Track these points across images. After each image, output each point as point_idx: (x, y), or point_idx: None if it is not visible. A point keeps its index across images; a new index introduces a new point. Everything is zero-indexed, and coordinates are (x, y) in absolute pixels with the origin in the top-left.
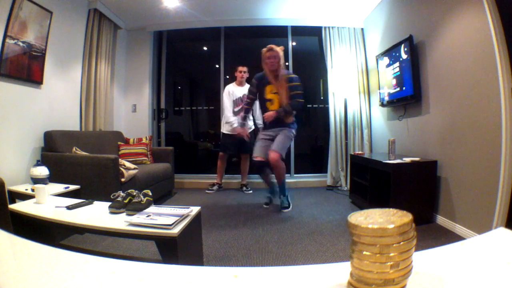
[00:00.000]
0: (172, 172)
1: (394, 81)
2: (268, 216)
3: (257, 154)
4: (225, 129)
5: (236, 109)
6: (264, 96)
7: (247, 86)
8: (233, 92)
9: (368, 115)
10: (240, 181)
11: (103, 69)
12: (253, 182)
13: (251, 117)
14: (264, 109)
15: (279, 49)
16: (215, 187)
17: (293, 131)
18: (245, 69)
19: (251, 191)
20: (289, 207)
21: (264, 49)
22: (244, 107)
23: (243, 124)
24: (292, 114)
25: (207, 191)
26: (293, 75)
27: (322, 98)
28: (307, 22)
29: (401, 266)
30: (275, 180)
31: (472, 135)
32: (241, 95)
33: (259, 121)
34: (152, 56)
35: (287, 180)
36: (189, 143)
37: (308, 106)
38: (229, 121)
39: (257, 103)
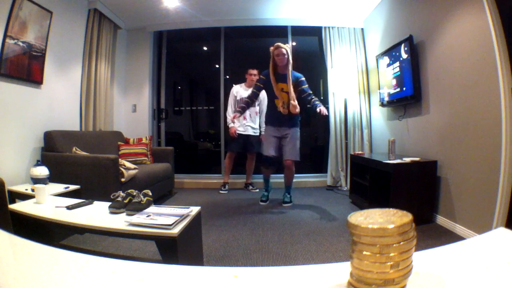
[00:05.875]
0: (172, 172)
1: (394, 81)
2: (268, 216)
3: (270, 152)
4: None
5: (239, 109)
6: (274, 93)
7: None
8: (238, 93)
9: (368, 115)
10: (244, 180)
11: (103, 69)
12: (259, 182)
13: (257, 120)
14: (272, 105)
15: (287, 47)
16: (227, 187)
17: (298, 129)
18: (255, 72)
19: (257, 190)
20: (290, 202)
21: (272, 47)
22: (240, 105)
23: (239, 112)
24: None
25: (220, 191)
26: (302, 77)
27: (322, 98)
28: (307, 22)
29: (401, 266)
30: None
31: (472, 135)
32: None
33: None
34: (152, 56)
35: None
36: (189, 143)
37: (308, 106)
38: (227, 120)
39: (265, 111)
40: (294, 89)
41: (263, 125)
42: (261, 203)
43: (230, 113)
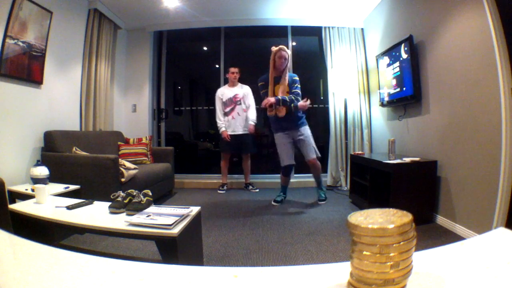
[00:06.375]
0: (172, 172)
1: (394, 81)
2: (268, 216)
3: (289, 162)
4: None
5: (226, 110)
6: (274, 95)
7: (239, 86)
8: (223, 94)
9: (368, 115)
10: (243, 180)
11: (103, 69)
12: (257, 182)
13: (245, 117)
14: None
15: (289, 53)
16: (225, 187)
17: (307, 127)
18: (236, 69)
19: (257, 190)
20: (325, 200)
21: (275, 48)
22: (270, 97)
23: (284, 101)
24: (287, 104)
25: (219, 191)
26: (295, 76)
27: (322, 98)
28: (307, 22)
29: (401, 266)
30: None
31: (472, 135)
32: (232, 96)
33: (253, 118)
34: (152, 56)
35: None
36: (189, 143)
37: (309, 106)
38: (218, 125)
39: (252, 104)
40: (288, 89)
41: (252, 117)
42: (274, 203)
43: (220, 118)
